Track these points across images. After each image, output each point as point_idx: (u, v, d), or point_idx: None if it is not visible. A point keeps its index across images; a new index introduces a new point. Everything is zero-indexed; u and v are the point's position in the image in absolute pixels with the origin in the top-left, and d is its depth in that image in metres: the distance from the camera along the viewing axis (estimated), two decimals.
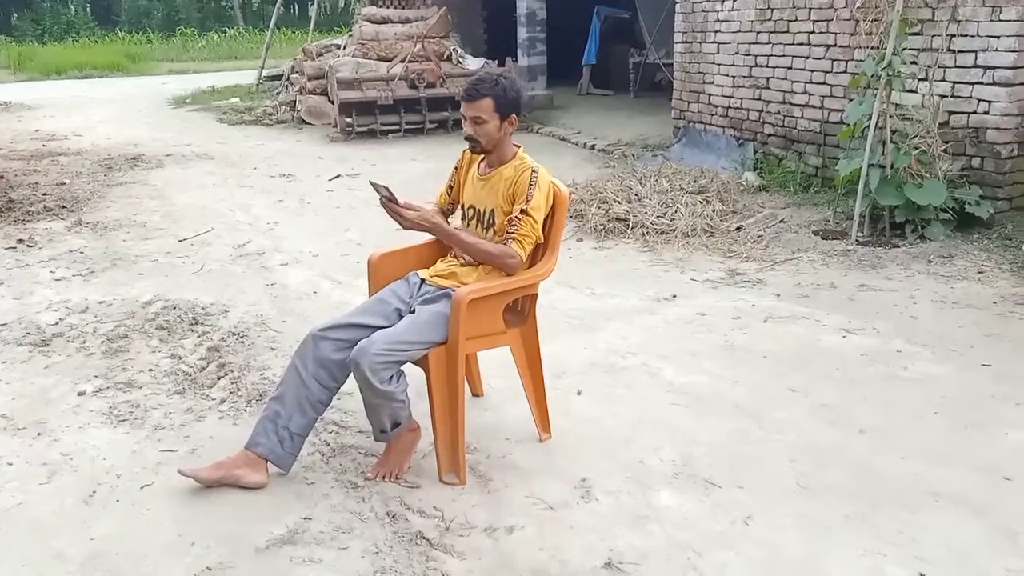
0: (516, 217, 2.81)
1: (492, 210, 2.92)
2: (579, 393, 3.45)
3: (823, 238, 5.49)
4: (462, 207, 3.08)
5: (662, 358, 3.77)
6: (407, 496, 2.73)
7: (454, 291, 2.80)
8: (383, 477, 2.82)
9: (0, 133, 10.64)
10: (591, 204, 6.04)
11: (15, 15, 30.06)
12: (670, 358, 3.77)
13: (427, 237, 3.12)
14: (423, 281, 2.99)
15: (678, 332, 4.09)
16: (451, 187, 3.14)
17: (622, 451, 3.00)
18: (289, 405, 2.76)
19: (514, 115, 2.89)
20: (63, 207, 6.66)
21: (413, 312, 2.85)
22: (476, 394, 3.41)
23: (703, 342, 3.95)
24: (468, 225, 3.03)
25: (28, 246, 5.61)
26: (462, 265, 2.97)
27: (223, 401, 3.42)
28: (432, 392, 2.79)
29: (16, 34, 27.33)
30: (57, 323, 4.25)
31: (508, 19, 12.07)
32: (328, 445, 3.05)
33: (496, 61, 10.97)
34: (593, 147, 9.00)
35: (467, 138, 2.91)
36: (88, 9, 31.25)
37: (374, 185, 2.82)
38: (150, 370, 3.71)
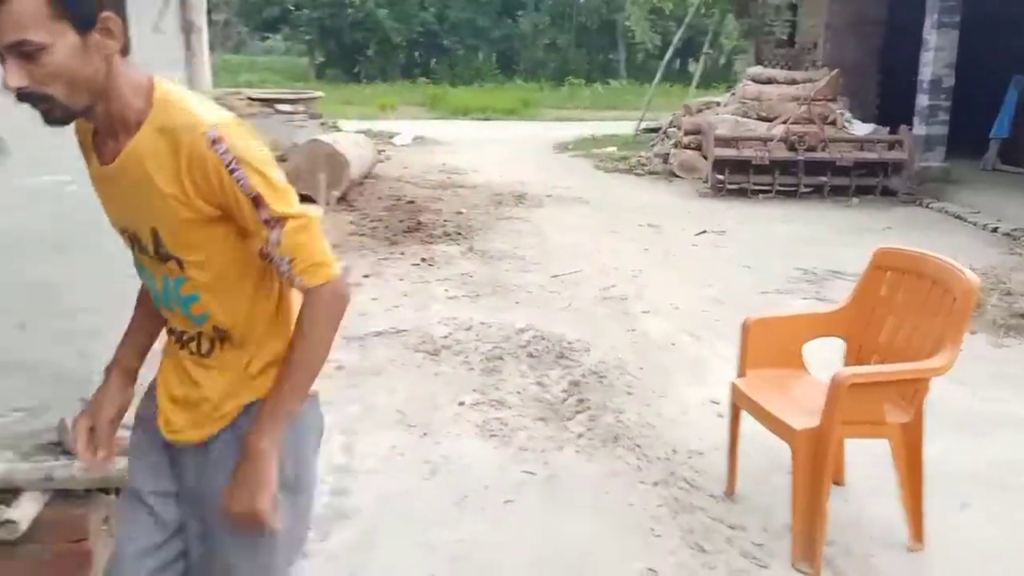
0: (273, 246, 1.46)
1: (152, 229, 1.50)
2: (963, 506, 3.06)
3: None
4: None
5: None
6: (755, 574, 2.63)
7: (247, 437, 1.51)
8: None
9: (415, 164, 12.29)
10: (991, 294, 5.37)
11: (434, 60, 34.66)
12: None
13: (816, 307, 2.94)
14: (169, 443, 1.62)
15: None
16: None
17: None
18: None
19: (108, 13, 1.38)
20: (459, 234, 7.50)
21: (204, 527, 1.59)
22: (836, 482, 3.17)
23: None
24: (134, 252, 1.59)
25: (429, 265, 6.40)
26: (199, 361, 1.59)
27: (580, 436, 3.58)
28: (796, 475, 2.66)
29: (433, 76, 31.44)
30: (446, 336, 4.77)
31: (906, 83, 11.24)
32: (677, 501, 3.05)
33: (888, 128, 10.28)
34: (995, 230, 8.00)
35: (24, 96, 1.36)
36: (494, 58, 35.01)
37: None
38: (518, 393, 4.01)
